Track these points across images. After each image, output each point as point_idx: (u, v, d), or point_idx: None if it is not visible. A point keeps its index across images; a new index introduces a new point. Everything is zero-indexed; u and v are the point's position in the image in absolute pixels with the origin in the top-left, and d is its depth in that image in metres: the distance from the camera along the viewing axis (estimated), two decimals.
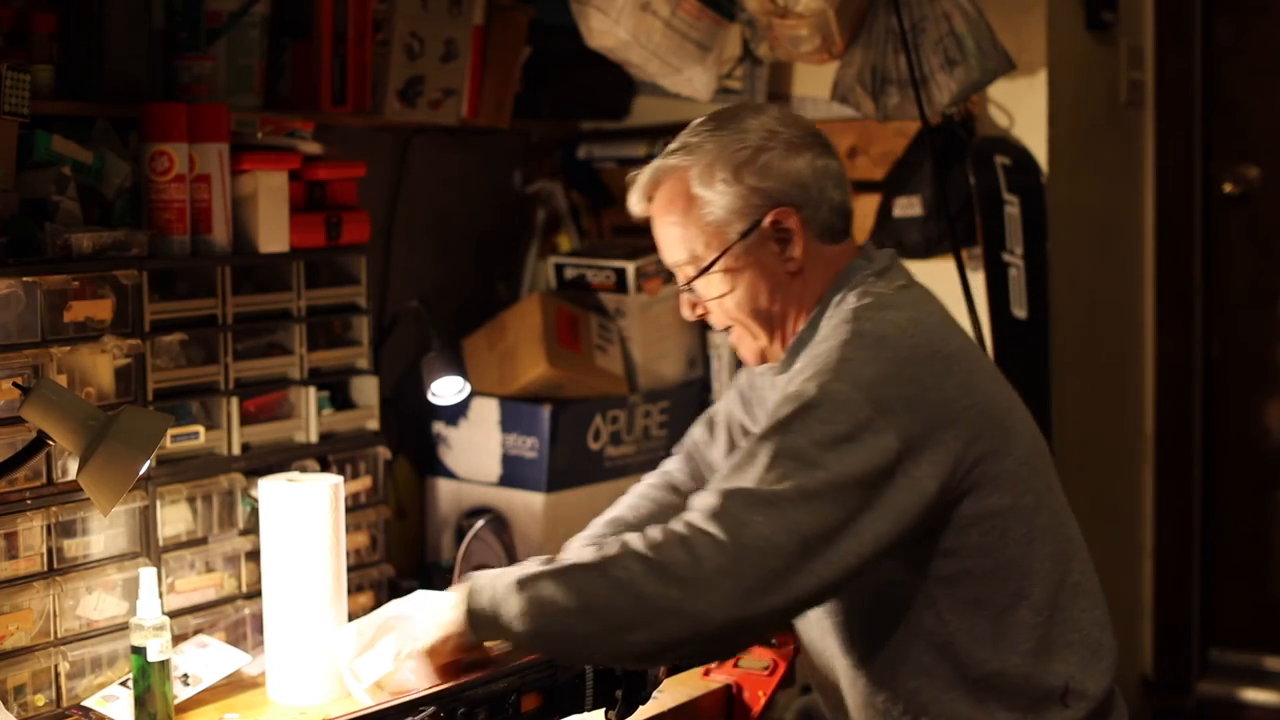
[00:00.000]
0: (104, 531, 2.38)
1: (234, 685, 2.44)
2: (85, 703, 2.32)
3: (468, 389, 3.13)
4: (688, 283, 2.10)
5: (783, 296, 2.07)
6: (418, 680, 1.97)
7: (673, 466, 2.44)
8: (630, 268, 3.32)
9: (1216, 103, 4.03)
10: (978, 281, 3.18)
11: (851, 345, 1.95)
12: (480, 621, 1.91)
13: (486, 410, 3.21)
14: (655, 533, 1.87)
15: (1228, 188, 4.04)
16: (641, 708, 2.11)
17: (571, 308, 3.34)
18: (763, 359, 2.14)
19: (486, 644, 1.98)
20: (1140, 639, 4.03)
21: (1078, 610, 2.02)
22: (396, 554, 3.00)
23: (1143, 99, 3.92)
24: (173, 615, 2.39)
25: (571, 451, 3.18)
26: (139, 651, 2.26)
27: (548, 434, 3.14)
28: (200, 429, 2.53)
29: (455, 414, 3.24)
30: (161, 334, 2.46)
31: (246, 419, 2.60)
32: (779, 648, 2.38)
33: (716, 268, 2.06)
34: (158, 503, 2.45)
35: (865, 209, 3.40)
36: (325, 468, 2.70)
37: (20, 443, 2.20)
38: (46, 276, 2.30)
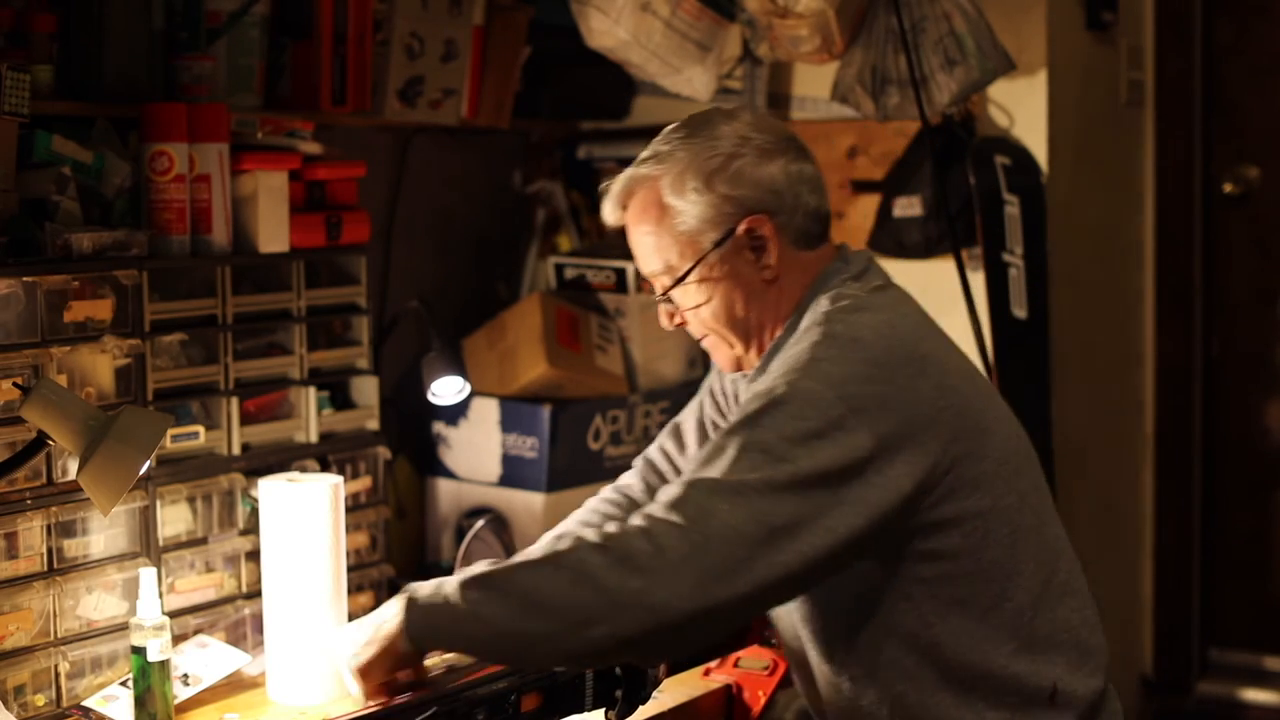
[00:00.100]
0: (104, 531, 2.38)
1: (234, 685, 2.44)
2: (85, 703, 2.32)
3: (468, 389, 3.13)
4: (664, 293, 2.09)
5: (759, 305, 2.05)
6: (355, 697, 1.95)
7: (629, 480, 2.39)
8: (630, 268, 3.32)
9: (1216, 103, 4.03)
10: (978, 281, 3.18)
11: (823, 346, 1.93)
12: (422, 630, 1.88)
13: (486, 410, 3.21)
14: (611, 527, 1.85)
15: (1228, 188, 4.04)
16: (641, 708, 2.11)
17: (571, 308, 3.34)
18: (738, 367, 2.12)
19: (429, 659, 1.96)
20: (1140, 639, 4.03)
21: (1065, 610, 2.00)
22: (396, 554, 3.00)
23: (1143, 99, 3.92)
24: (173, 615, 2.39)
25: (571, 451, 3.18)
26: (139, 651, 2.26)
27: (548, 434, 3.14)
28: (200, 429, 2.53)
29: (455, 414, 3.24)
30: (161, 334, 2.46)
31: (246, 419, 2.60)
32: (779, 647, 2.38)
33: (692, 277, 2.04)
34: (158, 503, 2.45)
35: (865, 209, 3.40)
36: (325, 468, 2.70)
37: (20, 443, 2.20)
38: (46, 276, 2.29)
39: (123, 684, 2.32)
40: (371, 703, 1.94)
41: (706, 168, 2.01)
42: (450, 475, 3.27)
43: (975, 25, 2.99)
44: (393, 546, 2.91)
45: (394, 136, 3.29)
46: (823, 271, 2.06)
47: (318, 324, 2.76)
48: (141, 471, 2.11)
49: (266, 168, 2.62)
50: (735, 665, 2.43)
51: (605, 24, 3.00)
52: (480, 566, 1.90)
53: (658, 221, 2.05)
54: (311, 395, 2.70)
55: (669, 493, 1.85)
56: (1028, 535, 1.98)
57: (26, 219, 2.34)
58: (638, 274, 3.31)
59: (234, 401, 2.57)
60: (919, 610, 1.93)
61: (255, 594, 2.54)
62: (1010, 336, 3.24)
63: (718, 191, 2.01)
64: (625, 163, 2.16)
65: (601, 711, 2.07)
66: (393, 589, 2.77)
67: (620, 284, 3.35)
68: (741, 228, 2.01)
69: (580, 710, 2.04)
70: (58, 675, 2.32)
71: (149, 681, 2.26)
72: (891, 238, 3.32)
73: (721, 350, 2.11)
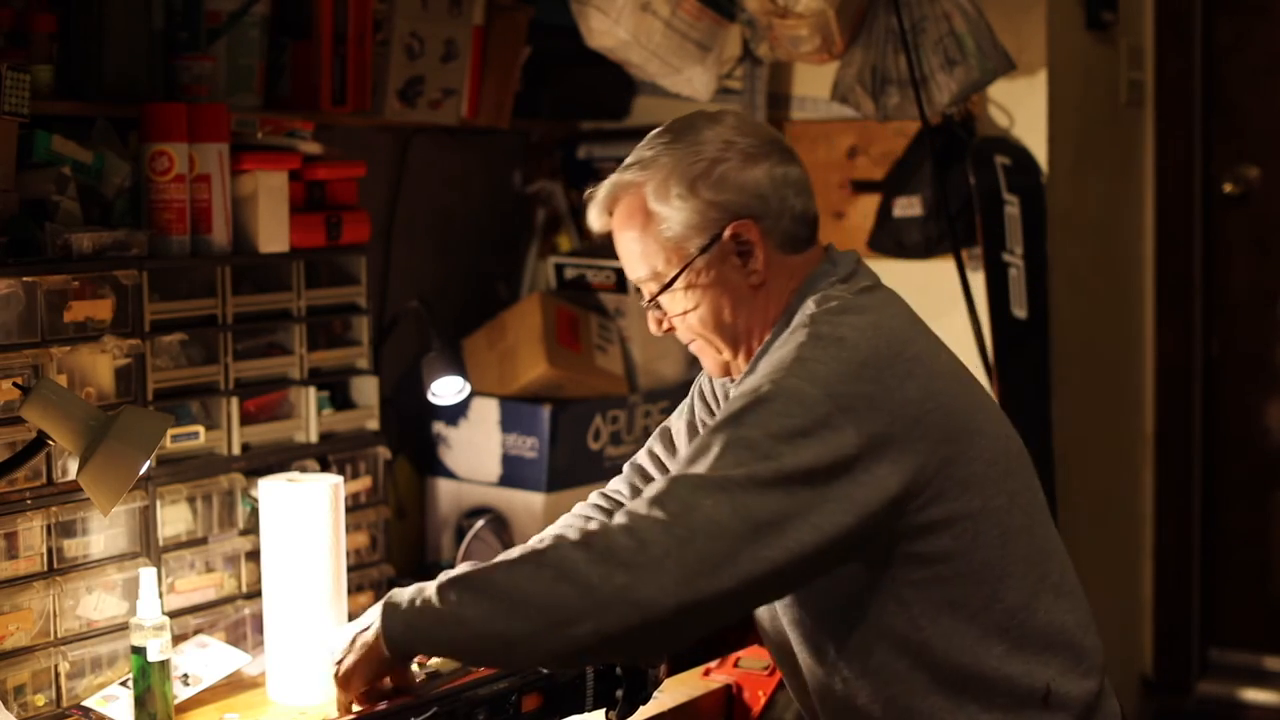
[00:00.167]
0: (104, 531, 2.38)
1: (234, 685, 2.44)
2: (85, 703, 2.32)
3: (468, 389, 3.13)
4: (651, 299, 2.07)
5: (746, 310, 2.03)
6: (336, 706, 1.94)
7: (617, 485, 2.37)
8: None
9: (1216, 103, 4.03)
10: (978, 281, 3.18)
11: (809, 346, 1.91)
12: (403, 635, 1.86)
13: (486, 410, 3.21)
14: (593, 525, 1.84)
15: (1228, 188, 4.04)
16: (642, 708, 2.11)
17: (571, 308, 3.34)
18: (726, 372, 2.11)
19: (414, 665, 1.94)
20: (1140, 639, 4.03)
21: (1058, 612, 1.99)
22: (396, 554, 3.00)
23: (1143, 99, 3.92)
24: (173, 615, 2.39)
25: (571, 451, 3.18)
26: (139, 651, 2.26)
27: (548, 434, 3.14)
28: (200, 429, 2.52)
29: (455, 414, 3.24)
30: (161, 334, 2.46)
31: (246, 419, 2.60)
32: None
33: (678, 284, 2.02)
34: (158, 503, 2.45)
35: (865, 209, 3.40)
36: (325, 468, 2.70)
37: (20, 443, 2.20)
38: (46, 276, 2.29)
39: (123, 684, 2.32)
40: (351, 713, 1.92)
41: (690, 173, 2.00)
42: (450, 475, 3.27)
43: (975, 25, 2.99)
44: (393, 546, 2.91)
45: (394, 136, 3.29)
46: (810, 274, 2.04)
47: (318, 324, 2.76)
48: (141, 471, 2.12)
49: (266, 168, 2.62)
50: (735, 665, 2.43)
51: (605, 24, 3.00)
52: (461, 569, 1.89)
53: (643, 228, 2.03)
54: (311, 395, 2.70)
55: (652, 489, 1.83)
56: (1018, 536, 1.97)
57: (26, 219, 2.34)
58: None
59: (234, 401, 2.57)
60: (909, 613, 1.92)
61: (255, 594, 2.54)
62: (1010, 336, 3.24)
63: (702, 197, 1.99)
64: None
65: (602, 712, 2.07)
66: (392, 589, 2.76)
67: (620, 284, 3.35)
68: (727, 233, 2.00)
69: (581, 710, 2.03)
70: (58, 675, 2.32)
71: (149, 681, 2.26)
72: (891, 238, 3.32)
73: (709, 355, 2.10)
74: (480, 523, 2.91)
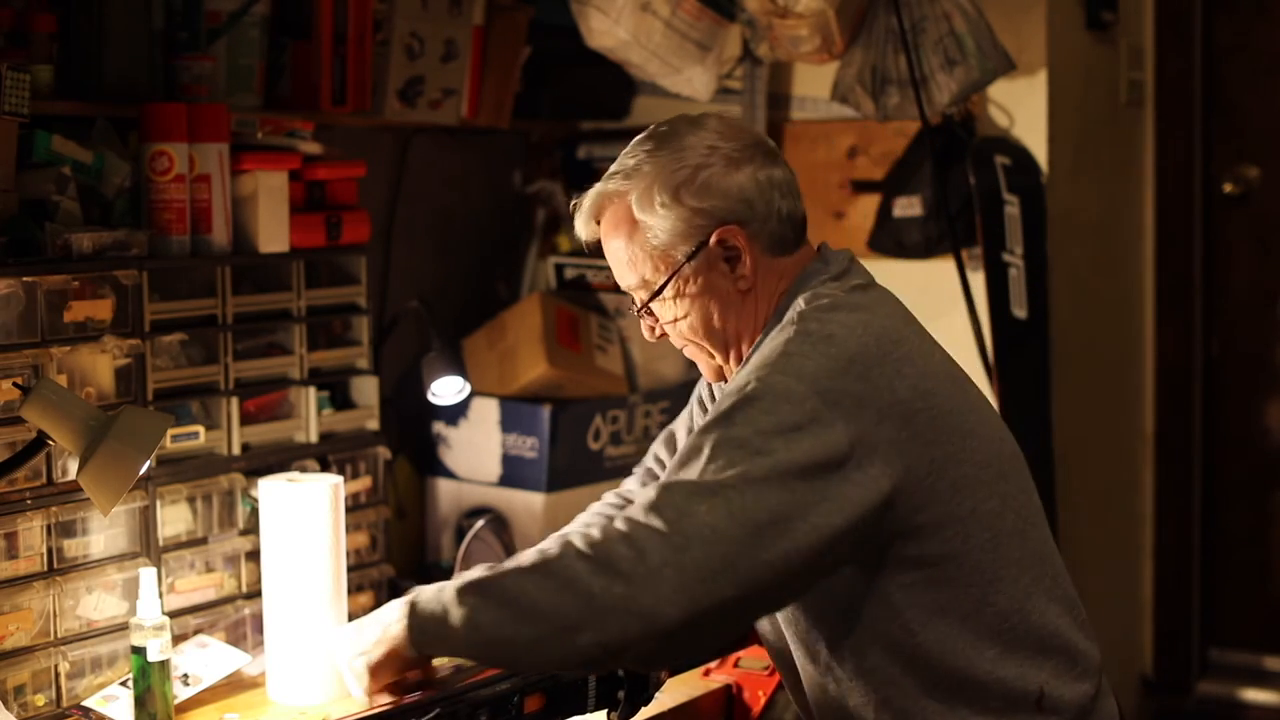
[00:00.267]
0: (104, 531, 2.38)
1: (234, 685, 2.44)
2: (85, 703, 2.32)
3: (468, 389, 3.13)
4: (642, 306, 2.07)
5: (735, 315, 2.03)
6: (361, 697, 1.95)
7: (631, 485, 2.37)
8: None
9: (1216, 103, 4.03)
10: (978, 281, 3.18)
11: (796, 342, 1.90)
12: (424, 635, 1.88)
13: (486, 410, 3.21)
14: (596, 531, 1.83)
15: (1228, 188, 4.04)
16: (643, 708, 2.11)
17: (571, 308, 3.34)
18: (721, 376, 2.10)
19: (434, 661, 1.96)
20: (1140, 639, 4.03)
21: (1053, 615, 1.97)
22: (396, 554, 3.00)
23: (1143, 99, 3.92)
24: (173, 615, 2.39)
25: (571, 451, 3.18)
26: (139, 651, 2.26)
27: (548, 434, 3.14)
28: (200, 429, 2.52)
29: (455, 414, 3.24)
30: (161, 334, 2.46)
31: (246, 419, 2.60)
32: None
33: (667, 292, 2.02)
34: (158, 503, 2.45)
35: (865, 209, 3.40)
36: (325, 468, 2.70)
37: (20, 443, 2.20)
38: (46, 276, 2.29)
39: (123, 684, 2.32)
40: (379, 703, 1.93)
41: (673, 181, 1.99)
42: (450, 475, 3.27)
43: (975, 25, 2.99)
44: (393, 546, 2.91)
45: (394, 136, 3.29)
46: (801, 274, 2.03)
47: (318, 324, 2.76)
48: (141, 471, 2.12)
49: (266, 168, 2.62)
50: (735, 665, 2.43)
51: (605, 24, 3.00)
52: (478, 571, 1.90)
53: (629, 237, 2.03)
54: (311, 395, 2.70)
55: (649, 495, 1.83)
56: (1010, 539, 1.95)
57: (26, 219, 2.34)
58: None
59: (234, 401, 2.57)
60: (901, 617, 1.91)
61: (255, 594, 2.54)
62: (1010, 336, 3.24)
63: (686, 205, 1.98)
64: None
65: (604, 712, 2.07)
66: (393, 589, 2.77)
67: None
68: (713, 239, 1.99)
69: (583, 711, 2.04)
70: (58, 675, 2.32)
71: (149, 681, 2.26)
72: (891, 238, 3.32)
73: (703, 360, 2.10)
74: (480, 523, 2.91)
